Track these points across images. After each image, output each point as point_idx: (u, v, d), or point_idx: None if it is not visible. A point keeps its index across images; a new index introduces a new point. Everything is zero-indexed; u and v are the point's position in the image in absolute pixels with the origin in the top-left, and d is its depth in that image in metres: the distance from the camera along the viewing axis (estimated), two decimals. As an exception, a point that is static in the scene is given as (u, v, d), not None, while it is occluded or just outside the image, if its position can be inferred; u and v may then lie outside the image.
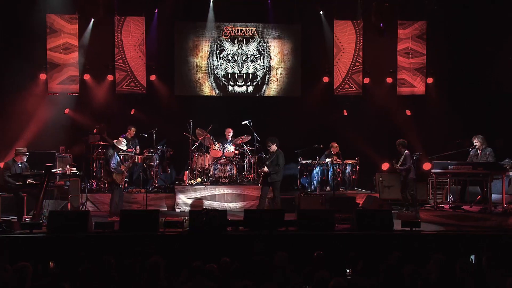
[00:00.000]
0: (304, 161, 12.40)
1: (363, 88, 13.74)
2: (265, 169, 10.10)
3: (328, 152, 12.34)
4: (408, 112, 13.67)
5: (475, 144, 10.29)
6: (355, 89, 13.72)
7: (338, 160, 12.12)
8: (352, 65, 13.71)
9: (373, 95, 13.76)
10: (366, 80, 13.71)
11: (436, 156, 10.78)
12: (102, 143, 12.07)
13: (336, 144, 12.33)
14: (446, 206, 10.47)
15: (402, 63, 13.60)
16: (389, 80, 13.70)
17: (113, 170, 9.98)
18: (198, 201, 11.37)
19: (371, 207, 10.12)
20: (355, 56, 13.72)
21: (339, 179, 12.16)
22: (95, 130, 12.44)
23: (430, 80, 13.55)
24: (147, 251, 6.95)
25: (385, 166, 12.82)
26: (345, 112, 13.83)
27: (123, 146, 10.35)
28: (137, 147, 12.20)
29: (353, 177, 12.29)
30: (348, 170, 12.22)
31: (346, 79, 13.72)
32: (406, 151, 11.01)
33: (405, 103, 13.68)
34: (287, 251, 6.09)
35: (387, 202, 11.04)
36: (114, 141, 10.37)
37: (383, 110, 13.57)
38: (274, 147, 10.21)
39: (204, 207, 10.64)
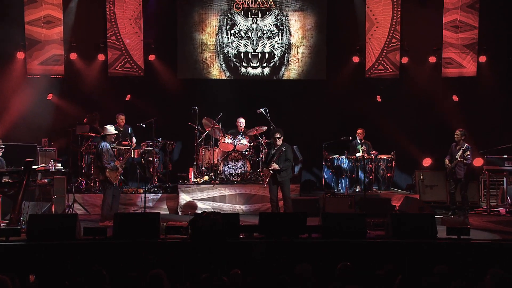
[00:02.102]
0: (330, 156, 12.36)
1: (400, 70, 13.63)
2: (275, 165, 10.03)
3: (355, 142, 12.28)
4: (455, 98, 13.52)
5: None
6: (390, 70, 13.60)
7: (373, 152, 12.05)
8: (387, 42, 13.58)
9: (413, 77, 13.65)
10: (404, 60, 13.58)
11: (490, 150, 10.64)
12: (92, 134, 12.10)
13: (360, 130, 12.28)
14: (502, 210, 10.40)
15: (449, 38, 13.37)
16: (432, 59, 13.54)
17: (106, 166, 10.02)
18: (204, 203, 11.39)
19: (410, 210, 10.06)
20: (391, 31, 13.58)
21: (371, 177, 12.18)
22: (85, 119, 12.45)
23: (482, 59, 13.29)
24: (146, 262, 6.96)
25: (426, 162, 12.78)
26: (378, 98, 13.77)
27: (111, 130, 10.38)
28: (133, 139, 12.16)
29: (388, 174, 12.31)
30: (382, 166, 12.18)
31: (380, 58, 13.60)
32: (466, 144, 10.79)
33: (452, 86, 13.53)
34: (310, 262, 6.06)
35: (429, 204, 10.96)
36: (102, 133, 10.45)
37: (425, 96, 13.49)
38: (281, 141, 10.15)
39: (204, 210, 10.61)
